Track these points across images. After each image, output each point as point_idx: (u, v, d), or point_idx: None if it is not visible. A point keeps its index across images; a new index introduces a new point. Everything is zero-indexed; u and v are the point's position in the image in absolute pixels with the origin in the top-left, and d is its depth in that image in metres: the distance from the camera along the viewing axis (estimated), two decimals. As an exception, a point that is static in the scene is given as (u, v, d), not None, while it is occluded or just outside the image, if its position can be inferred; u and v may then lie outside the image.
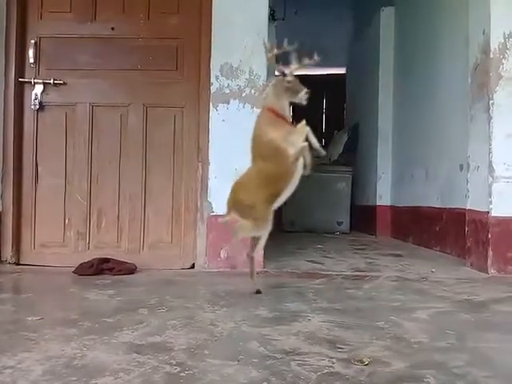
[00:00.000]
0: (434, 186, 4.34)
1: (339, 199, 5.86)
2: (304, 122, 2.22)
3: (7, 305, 2.17)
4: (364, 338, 1.68)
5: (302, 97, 2.20)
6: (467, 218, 3.26)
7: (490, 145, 3.01)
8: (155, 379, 1.29)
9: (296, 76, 2.22)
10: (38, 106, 3.17)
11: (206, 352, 1.51)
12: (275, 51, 2.24)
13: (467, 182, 3.29)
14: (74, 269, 2.86)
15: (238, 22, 3.12)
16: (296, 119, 2.28)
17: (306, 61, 2.19)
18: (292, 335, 1.69)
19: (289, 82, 2.19)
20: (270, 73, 3.14)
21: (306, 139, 2.19)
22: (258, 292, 2.33)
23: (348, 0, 7.56)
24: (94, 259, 2.90)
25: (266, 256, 3.09)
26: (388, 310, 2.07)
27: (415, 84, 4.88)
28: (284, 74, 2.21)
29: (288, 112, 2.24)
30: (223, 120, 3.11)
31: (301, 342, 1.61)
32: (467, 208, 3.27)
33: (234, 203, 2.22)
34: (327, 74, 8.17)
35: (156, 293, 2.37)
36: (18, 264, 3.14)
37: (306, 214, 5.56)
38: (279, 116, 2.21)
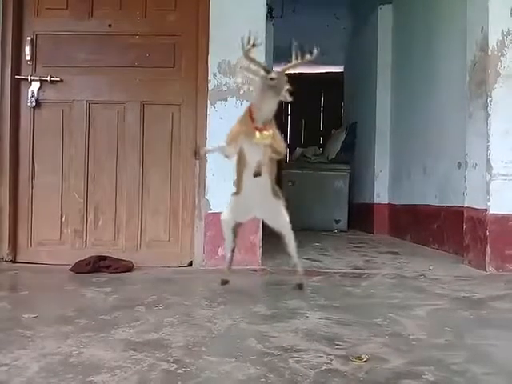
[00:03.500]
0: (432, 183, 4.34)
1: (337, 197, 5.86)
2: (266, 133, 2.09)
3: (3, 302, 2.15)
4: (362, 334, 1.67)
5: (285, 94, 2.00)
6: (465, 216, 3.26)
7: (488, 142, 3.01)
8: (152, 376, 1.28)
9: (286, 73, 2.06)
10: (34, 104, 3.15)
11: (204, 349, 1.50)
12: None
13: (465, 179, 3.29)
14: (70, 266, 2.85)
15: (235, 19, 3.10)
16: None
17: (308, 56, 2.07)
18: (290, 332, 1.68)
19: (272, 79, 2.02)
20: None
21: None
22: (300, 287, 2.34)
23: (346, -2, 7.56)
24: (90, 257, 2.89)
25: (263, 254, 3.09)
26: (386, 308, 2.07)
27: (413, 82, 4.87)
28: (268, 71, 2.05)
29: (267, 111, 2.07)
30: (221, 118, 3.10)
31: (299, 339, 1.61)
32: (465, 205, 3.27)
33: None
34: (325, 73, 8.17)
35: (153, 290, 2.36)
36: (14, 262, 3.13)
37: (304, 212, 5.55)
38: (251, 117, 2.11)
